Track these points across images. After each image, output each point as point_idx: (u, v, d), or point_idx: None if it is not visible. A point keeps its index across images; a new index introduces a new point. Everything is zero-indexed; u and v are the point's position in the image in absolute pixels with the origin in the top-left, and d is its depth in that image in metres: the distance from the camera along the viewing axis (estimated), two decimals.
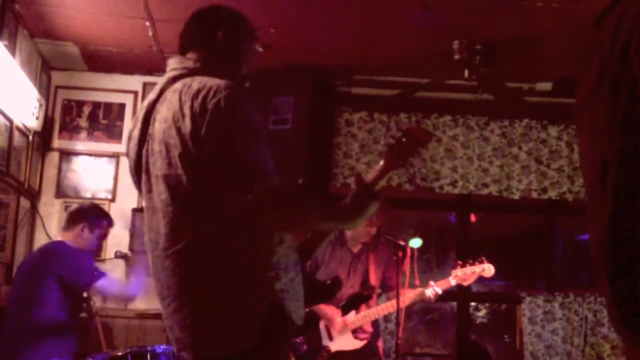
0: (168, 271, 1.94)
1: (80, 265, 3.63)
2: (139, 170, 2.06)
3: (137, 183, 2.11)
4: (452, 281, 4.07)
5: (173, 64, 2.11)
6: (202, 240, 1.88)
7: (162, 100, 2.00)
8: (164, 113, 1.95)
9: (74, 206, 4.09)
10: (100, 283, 3.60)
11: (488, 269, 4.09)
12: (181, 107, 1.88)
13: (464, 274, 4.07)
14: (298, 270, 2.01)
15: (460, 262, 4.12)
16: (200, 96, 1.86)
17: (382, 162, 2.16)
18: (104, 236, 3.90)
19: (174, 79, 2.03)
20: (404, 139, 2.17)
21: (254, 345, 1.84)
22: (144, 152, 2.02)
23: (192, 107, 1.86)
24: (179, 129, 1.87)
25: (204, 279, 1.89)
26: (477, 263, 4.08)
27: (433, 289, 4.01)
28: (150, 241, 2.04)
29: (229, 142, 1.83)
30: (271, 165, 1.87)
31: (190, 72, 2.03)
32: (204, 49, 2.12)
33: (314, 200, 1.99)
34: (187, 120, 1.85)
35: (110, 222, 3.94)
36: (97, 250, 3.93)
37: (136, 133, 2.07)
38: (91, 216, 3.84)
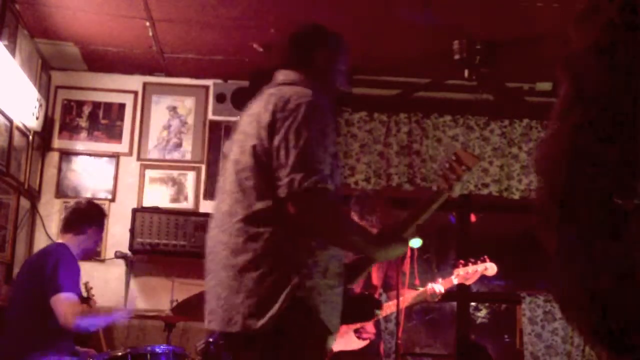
0: (221, 245, 2.13)
1: (58, 273, 3.48)
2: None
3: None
4: (455, 280, 4.07)
5: (278, 75, 2.32)
6: (251, 222, 2.07)
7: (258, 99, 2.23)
8: (253, 109, 2.19)
9: (72, 207, 3.92)
10: (82, 323, 3.47)
11: (491, 268, 4.09)
12: (267, 104, 2.12)
13: (466, 273, 4.07)
14: (340, 282, 2.14)
15: (462, 261, 4.12)
16: (286, 97, 2.10)
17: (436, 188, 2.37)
18: (100, 239, 3.90)
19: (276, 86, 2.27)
20: (453, 164, 2.34)
21: (269, 329, 1.99)
22: (229, 141, 2.27)
23: (275, 104, 2.09)
24: (258, 122, 2.10)
25: (244, 257, 2.06)
26: (479, 262, 4.09)
27: (435, 287, 4.02)
28: (214, 219, 2.23)
29: (296, 139, 2.02)
30: (327, 172, 2.04)
31: (290, 83, 2.25)
32: (301, 68, 2.30)
33: (349, 219, 2.14)
34: (267, 115, 2.09)
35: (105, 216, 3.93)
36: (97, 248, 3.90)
37: (234, 127, 2.30)
38: (97, 218, 3.81)
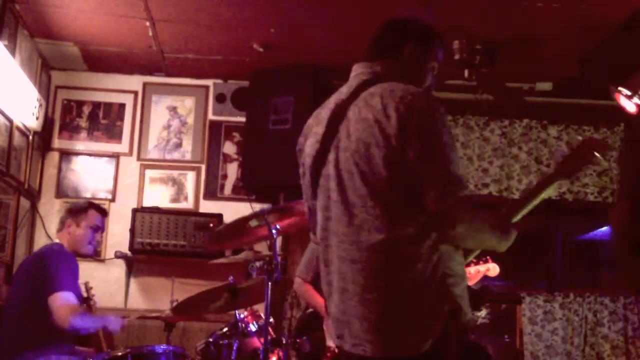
0: (357, 264, 1.98)
1: (57, 272, 3.48)
2: (318, 166, 2.11)
3: (313, 177, 2.15)
4: None
5: (360, 69, 2.18)
6: (396, 239, 1.93)
7: (356, 101, 2.06)
8: (362, 114, 2.02)
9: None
10: (76, 323, 3.44)
11: (493, 269, 4.08)
12: (384, 109, 1.96)
13: (468, 274, 4.06)
14: (466, 279, 2.08)
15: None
16: (406, 101, 1.95)
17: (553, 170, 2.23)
18: (95, 228, 3.76)
19: (366, 83, 2.09)
20: (581, 150, 2.20)
21: (432, 347, 1.89)
22: (331, 148, 2.08)
23: (397, 109, 1.94)
24: (382, 130, 1.95)
25: (393, 277, 1.94)
26: (481, 262, 4.08)
27: None
28: (330, 231, 2.07)
29: (436, 151, 1.92)
30: (465, 179, 1.98)
31: (379, 79, 2.09)
32: (390, 60, 2.17)
33: (490, 219, 2.05)
34: (393, 122, 1.93)
35: (98, 211, 3.82)
36: (94, 246, 3.83)
37: (319, 130, 2.13)
38: (74, 209, 3.79)
